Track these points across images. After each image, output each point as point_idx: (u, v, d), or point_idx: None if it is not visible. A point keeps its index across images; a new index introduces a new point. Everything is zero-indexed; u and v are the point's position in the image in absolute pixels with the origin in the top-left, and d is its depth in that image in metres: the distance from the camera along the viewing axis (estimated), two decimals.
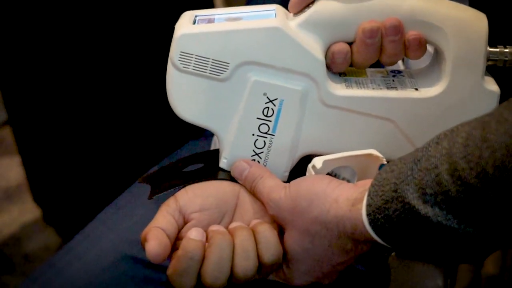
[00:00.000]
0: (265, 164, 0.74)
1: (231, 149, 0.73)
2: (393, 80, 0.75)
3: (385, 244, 0.63)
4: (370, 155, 0.71)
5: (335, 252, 0.67)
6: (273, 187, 0.70)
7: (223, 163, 0.74)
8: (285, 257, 0.70)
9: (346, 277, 0.81)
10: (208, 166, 0.75)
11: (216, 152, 0.75)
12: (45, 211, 1.72)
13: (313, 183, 0.67)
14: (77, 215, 1.57)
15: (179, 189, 0.72)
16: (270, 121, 0.72)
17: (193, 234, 0.67)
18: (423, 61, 0.78)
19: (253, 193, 0.72)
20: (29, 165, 1.64)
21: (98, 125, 1.47)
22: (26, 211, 1.83)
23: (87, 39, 1.41)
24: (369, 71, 0.76)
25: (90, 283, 0.87)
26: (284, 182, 0.72)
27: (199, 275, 0.67)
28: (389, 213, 0.61)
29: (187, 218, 0.70)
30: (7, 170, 1.97)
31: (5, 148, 2.04)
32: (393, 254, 0.83)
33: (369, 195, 0.63)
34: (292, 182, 0.69)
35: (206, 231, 0.69)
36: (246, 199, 0.72)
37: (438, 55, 0.74)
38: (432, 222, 0.59)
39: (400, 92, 0.73)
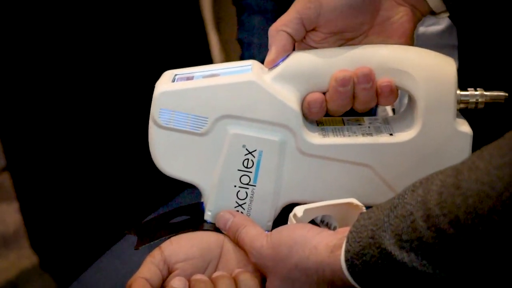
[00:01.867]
0: (248, 214, 0.75)
1: (215, 201, 0.75)
2: (369, 127, 0.77)
3: None
4: (350, 203, 0.73)
5: None
6: (255, 236, 0.71)
7: (207, 215, 0.76)
8: None
9: None
10: (193, 218, 0.77)
11: (201, 205, 0.77)
12: (42, 257, 1.72)
13: (293, 230, 0.69)
14: (73, 262, 1.57)
15: (165, 240, 0.74)
16: (251, 172, 0.74)
17: (176, 284, 0.69)
18: None
19: (237, 243, 0.73)
20: (27, 211, 1.65)
21: (96, 173, 1.48)
22: (23, 257, 1.83)
23: (86, 93, 1.43)
24: (345, 119, 0.79)
25: None
26: (269, 231, 0.73)
27: None
28: (367, 259, 0.62)
29: (172, 268, 0.72)
30: (5, 215, 1.98)
31: (3, 193, 2.04)
32: None
33: (347, 241, 0.64)
34: (274, 230, 0.71)
35: (189, 280, 0.71)
36: (230, 249, 0.74)
37: (410, 101, 0.77)
38: (407, 268, 0.60)
39: (375, 138, 0.75)
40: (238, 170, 0.74)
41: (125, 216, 1.46)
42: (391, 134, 0.76)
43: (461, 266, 0.59)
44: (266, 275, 0.71)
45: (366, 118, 0.79)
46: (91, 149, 1.47)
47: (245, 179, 0.75)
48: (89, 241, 1.54)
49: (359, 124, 0.78)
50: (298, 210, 0.72)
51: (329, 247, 0.66)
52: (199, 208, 0.77)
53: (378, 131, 0.76)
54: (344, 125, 0.78)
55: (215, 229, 0.75)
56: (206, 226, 0.75)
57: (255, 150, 0.74)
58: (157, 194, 1.30)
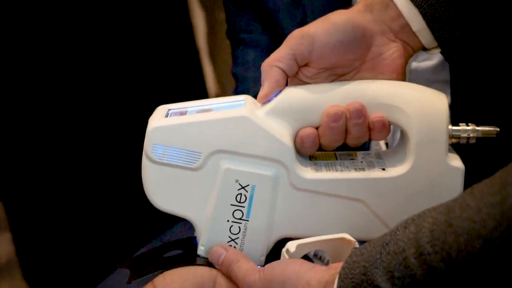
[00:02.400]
0: (241, 249, 0.75)
1: (208, 236, 0.75)
2: (361, 162, 0.77)
3: None
4: (342, 239, 0.73)
5: None
6: (248, 271, 0.71)
7: (200, 250, 0.76)
8: None
9: None
10: (186, 252, 0.77)
11: (195, 239, 0.77)
12: None
13: (286, 266, 0.69)
14: None
15: (158, 274, 0.74)
16: (244, 206, 0.74)
17: None
18: None
19: (229, 278, 0.73)
20: (20, 241, 1.64)
21: (89, 205, 1.49)
22: None
23: (78, 126, 1.43)
24: (338, 153, 0.79)
25: None
26: (261, 266, 0.73)
27: None
28: None
29: None
30: None
31: None
32: None
33: (339, 277, 0.64)
34: (267, 265, 0.71)
35: None
36: (222, 284, 0.74)
37: (403, 136, 0.77)
38: None
39: (367, 172, 0.76)
40: (231, 204, 0.74)
41: (117, 249, 1.46)
42: (383, 169, 0.76)
43: None
44: None
45: (358, 153, 0.80)
46: (84, 181, 1.48)
47: (238, 214, 0.75)
48: (81, 273, 1.53)
49: (352, 159, 0.78)
50: (291, 246, 0.72)
51: (321, 283, 0.66)
52: (192, 242, 0.77)
53: (371, 166, 0.77)
54: (337, 159, 0.78)
55: (208, 263, 0.75)
56: (199, 261, 0.75)
57: (248, 185, 0.74)
58: (149, 227, 1.30)
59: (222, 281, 0.74)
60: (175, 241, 0.79)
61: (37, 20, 1.40)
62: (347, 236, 0.73)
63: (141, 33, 1.47)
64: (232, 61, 1.10)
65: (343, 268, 0.65)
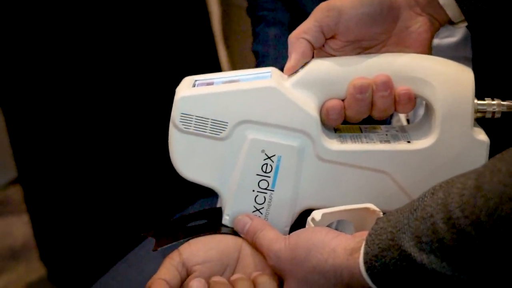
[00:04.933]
0: (266, 219, 0.76)
1: (233, 205, 0.76)
2: (386, 134, 0.77)
3: None
4: (367, 209, 0.74)
5: None
6: (273, 239, 0.72)
7: (225, 219, 0.76)
8: None
9: None
10: (211, 222, 0.77)
11: (219, 210, 0.78)
12: (51, 270, 1.72)
13: (311, 234, 0.69)
14: (82, 275, 1.58)
15: (183, 243, 0.74)
16: (269, 177, 0.75)
17: (195, 285, 0.69)
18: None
19: (254, 246, 0.74)
20: (37, 223, 1.65)
21: (109, 184, 1.49)
22: (31, 270, 1.83)
23: (100, 102, 1.44)
24: (362, 127, 0.79)
25: None
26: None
27: None
28: (386, 261, 0.63)
29: (190, 270, 0.72)
30: (13, 228, 1.98)
31: (12, 207, 2.05)
32: None
33: (366, 243, 0.65)
34: (292, 233, 0.71)
35: (208, 282, 0.71)
36: (247, 253, 0.74)
37: (428, 109, 0.77)
38: (427, 270, 0.61)
39: (393, 145, 0.76)
40: (257, 174, 0.75)
41: (137, 226, 1.47)
42: (408, 142, 0.76)
43: (481, 268, 0.59)
44: (283, 278, 0.71)
45: (383, 126, 0.80)
46: (104, 158, 1.48)
47: (263, 184, 0.75)
48: (100, 252, 1.54)
49: (377, 132, 0.78)
50: (316, 214, 0.73)
51: (347, 250, 0.66)
52: (217, 212, 0.77)
53: (396, 138, 0.77)
54: (362, 132, 0.78)
55: (233, 232, 0.75)
56: (224, 229, 0.75)
57: (274, 155, 0.74)
58: (170, 203, 1.30)
59: (247, 250, 0.74)
60: (199, 211, 0.79)
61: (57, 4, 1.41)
62: (371, 206, 0.73)
63: (157, 19, 1.47)
64: (252, 40, 1.10)
65: (369, 234, 0.65)
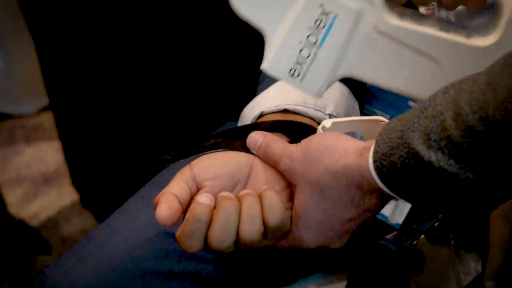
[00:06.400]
0: (304, 75, 0.74)
1: (277, 51, 0.74)
2: (448, 25, 0.75)
3: (390, 193, 0.64)
4: (378, 120, 0.73)
5: (344, 205, 0.68)
6: (286, 147, 0.71)
7: (264, 64, 0.75)
8: (294, 218, 0.71)
9: (379, 254, 0.82)
10: (225, 140, 0.76)
11: (235, 129, 0.77)
12: (82, 195, 1.75)
13: (323, 137, 0.69)
14: (113, 199, 1.59)
15: (196, 158, 0.74)
16: (320, 33, 0.73)
17: (202, 199, 0.69)
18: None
19: (267, 160, 0.73)
20: (68, 150, 1.67)
21: (137, 111, 1.49)
22: (63, 195, 1.86)
23: (137, 34, 1.43)
24: (425, 15, 0.77)
25: (128, 256, 0.89)
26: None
27: (206, 238, 0.68)
28: (394, 159, 0.62)
29: (201, 185, 0.71)
30: (45, 154, 2.00)
31: (44, 133, 2.07)
32: (423, 239, 0.85)
33: (376, 143, 0.64)
34: (303, 140, 0.71)
35: (216, 197, 0.70)
36: (259, 169, 0.73)
37: (495, 8, 0.74)
38: (434, 168, 0.60)
39: (452, 35, 0.74)
40: (309, 27, 0.73)
41: (165, 151, 1.47)
42: (468, 37, 0.74)
43: (488, 166, 0.58)
44: (295, 183, 0.71)
45: (444, 18, 0.78)
46: (132, 88, 1.48)
47: (312, 38, 0.73)
48: (128, 179, 1.55)
49: (438, 20, 0.76)
50: (327, 122, 0.72)
51: (358, 150, 0.66)
52: (233, 132, 0.76)
53: (457, 31, 0.74)
54: (423, 16, 0.76)
55: (245, 149, 0.75)
56: (235, 147, 0.75)
57: (331, 12, 0.72)
58: (199, 126, 1.31)
59: (259, 167, 0.73)
60: (219, 132, 0.79)
61: None
62: (382, 118, 0.73)
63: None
64: None
65: (380, 134, 0.64)
